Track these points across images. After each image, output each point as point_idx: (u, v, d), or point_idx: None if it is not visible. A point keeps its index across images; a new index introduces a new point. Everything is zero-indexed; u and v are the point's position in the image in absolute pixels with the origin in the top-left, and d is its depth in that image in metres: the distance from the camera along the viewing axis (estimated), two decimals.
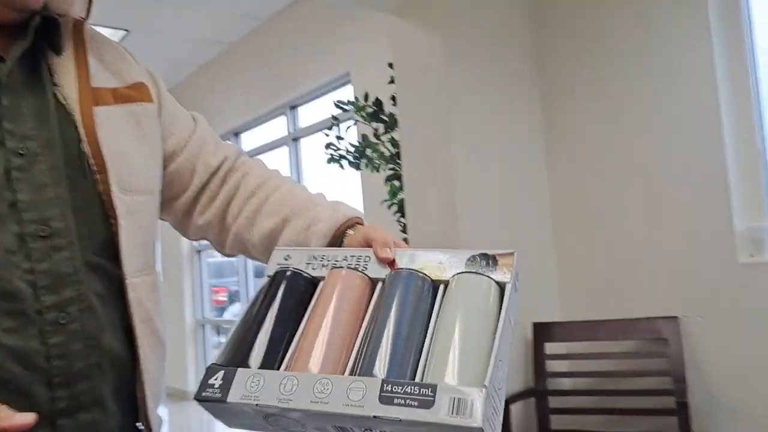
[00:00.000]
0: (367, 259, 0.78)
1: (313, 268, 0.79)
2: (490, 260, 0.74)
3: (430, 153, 2.65)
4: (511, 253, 0.74)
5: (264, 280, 0.81)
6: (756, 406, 2.19)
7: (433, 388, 0.61)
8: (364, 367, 0.66)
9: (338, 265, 0.78)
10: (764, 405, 2.18)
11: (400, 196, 2.86)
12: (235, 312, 8.34)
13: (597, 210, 2.66)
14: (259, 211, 0.94)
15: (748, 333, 2.20)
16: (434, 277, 0.74)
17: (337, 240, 0.86)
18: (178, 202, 0.96)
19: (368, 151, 3.06)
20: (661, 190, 2.43)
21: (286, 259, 0.81)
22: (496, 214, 2.64)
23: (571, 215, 2.76)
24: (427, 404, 0.60)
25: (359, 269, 0.77)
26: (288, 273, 0.79)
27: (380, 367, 0.65)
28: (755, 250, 2.17)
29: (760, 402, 2.18)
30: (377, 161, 3.00)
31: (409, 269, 0.75)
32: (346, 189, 3.95)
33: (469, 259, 0.74)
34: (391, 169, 2.95)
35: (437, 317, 0.71)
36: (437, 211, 2.59)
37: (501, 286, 0.72)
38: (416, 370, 0.66)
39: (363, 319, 0.73)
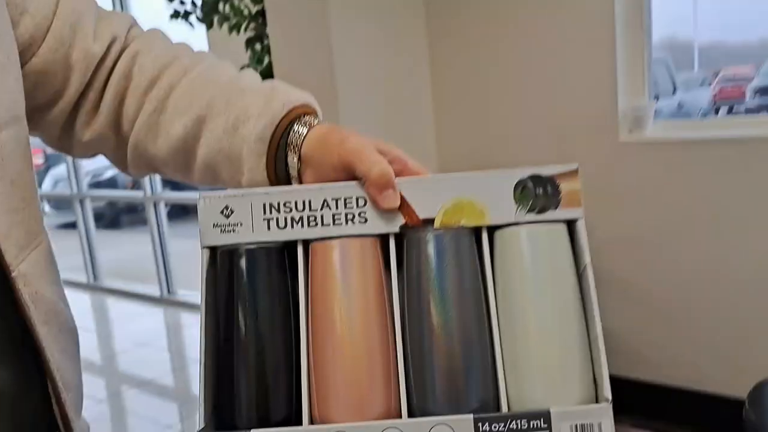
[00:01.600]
0: (361, 203, 0.55)
1: (280, 226, 0.55)
2: (549, 186, 0.53)
3: (303, 8, 2.30)
4: (575, 171, 0.54)
5: (202, 260, 0.54)
6: (622, 275, 2.31)
7: (546, 416, 0.45)
8: (425, 395, 0.48)
9: (324, 222, 0.55)
10: (629, 273, 2.30)
11: (266, 62, 2.50)
12: (58, 175, 7.33)
13: (479, 89, 2.53)
14: (161, 110, 0.64)
15: (622, 207, 2.25)
16: (474, 222, 0.53)
17: (281, 148, 0.60)
18: (52, 114, 0.64)
19: (222, 6, 2.61)
20: (547, 72, 2.33)
21: (226, 215, 0.55)
22: (379, 91, 2.41)
23: (452, 97, 2.60)
24: None
25: (356, 223, 0.54)
26: (243, 252, 0.54)
27: (448, 391, 0.48)
28: (635, 127, 2.18)
29: (626, 270, 2.30)
30: (234, 19, 2.58)
31: (442, 228, 0.53)
32: None
33: (517, 188, 0.53)
34: (253, 29, 2.55)
35: (497, 294, 0.52)
36: (313, 81, 2.30)
37: (570, 227, 0.53)
38: (496, 383, 0.48)
39: (390, 310, 0.53)
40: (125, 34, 0.66)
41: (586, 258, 0.52)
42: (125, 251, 6.54)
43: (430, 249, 0.53)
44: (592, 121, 2.25)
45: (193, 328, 3.84)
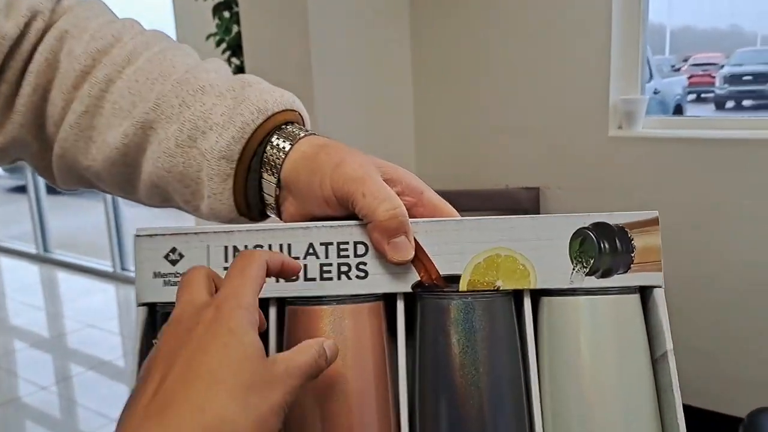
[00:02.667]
0: (360, 250, 0.40)
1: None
2: (618, 239, 0.39)
3: None
4: (654, 221, 0.40)
5: (137, 321, 0.40)
6: None
7: None
8: None
9: (307, 275, 0.40)
10: None
11: (235, 30, 2.29)
12: None
13: (464, 81, 2.37)
14: (96, 110, 0.48)
15: (605, 205, 2.14)
16: (514, 284, 0.39)
17: (254, 168, 0.45)
18: None
19: None
20: (537, 64, 2.18)
21: (172, 261, 0.40)
22: (357, 74, 2.23)
23: (435, 89, 2.44)
24: None
25: (352, 278, 0.40)
26: None
27: None
28: (625, 122, 2.06)
29: None
30: None
31: (471, 292, 0.39)
32: (153, 20, 3.18)
33: (575, 239, 0.39)
34: None
35: (542, 385, 0.38)
36: (287, 53, 2.11)
37: (643, 295, 0.39)
38: None
39: (396, 398, 0.40)
40: (51, 7, 0.49)
41: (667, 343, 0.38)
42: (79, 220, 6.23)
43: (455, 321, 0.39)
44: (582, 115, 2.12)
45: (71, 290, 3.60)
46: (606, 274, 0.39)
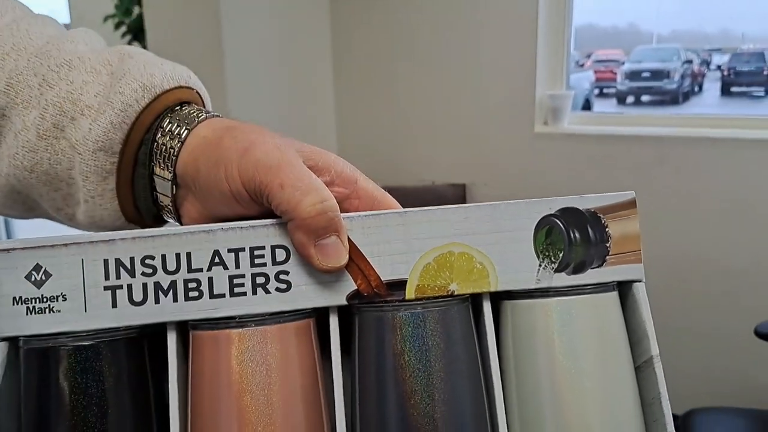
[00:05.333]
0: (280, 256, 0.32)
1: (134, 301, 0.32)
2: (590, 227, 0.33)
3: None
4: (631, 203, 0.33)
5: None
6: None
7: None
8: None
9: (214, 291, 0.32)
10: None
11: (136, 12, 2.13)
12: None
13: (386, 71, 2.31)
14: None
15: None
16: (471, 288, 0.32)
17: (142, 162, 0.36)
18: None
19: None
20: (461, 55, 2.15)
21: (36, 282, 0.31)
22: (273, 61, 2.13)
23: (354, 69, 2.37)
24: None
25: (271, 291, 0.32)
26: (67, 353, 0.31)
27: None
28: (551, 118, 2.05)
29: None
30: None
31: (419, 301, 0.32)
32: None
33: (540, 229, 0.33)
34: None
35: (509, 408, 0.31)
36: (195, 37, 1.98)
37: (622, 289, 0.33)
38: None
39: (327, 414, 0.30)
40: None
41: (653, 348, 0.32)
42: None
43: (402, 338, 0.31)
44: (507, 110, 2.10)
45: None
46: (578, 269, 0.33)
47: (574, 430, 0.31)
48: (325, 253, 0.31)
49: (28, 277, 0.31)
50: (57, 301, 0.31)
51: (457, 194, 2.26)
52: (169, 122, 0.35)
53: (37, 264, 0.31)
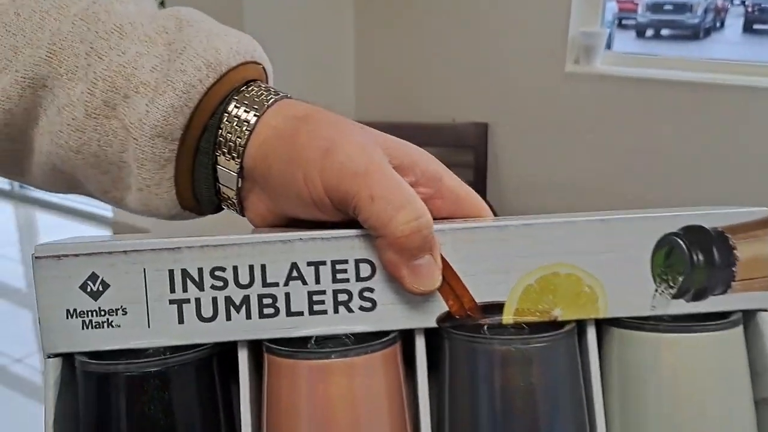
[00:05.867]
0: (365, 272, 0.29)
1: (203, 317, 0.28)
2: (716, 249, 0.29)
3: None
4: (764, 222, 0.29)
5: (47, 376, 0.28)
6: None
7: None
8: None
9: (290, 308, 0.29)
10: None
11: None
12: None
13: (411, 9, 2.20)
14: None
15: (554, 145, 2.07)
16: (577, 313, 0.29)
17: (204, 150, 0.32)
18: None
19: None
20: None
21: (92, 293, 0.28)
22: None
23: (380, 17, 2.26)
24: None
25: (354, 311, 0.29)
26: (130, 380, 0.28)
27: None
28: (583, 57, 1.96)
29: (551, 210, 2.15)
30: None
31: (518, 329, 0.29)
32: None
33: (660, 249, 0.29)
34: None
35: (620, 414, 0.27)
36: None
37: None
38: None
39: None
40: None
41: None
42: None
43: (501, 374, 0.28)
44: (536, 45, 2.01)
45: (51, 232, 3.20)
46: (698, 296, 0.29)
47: None
48: (418, 275, 0.27)
49: (83, 287, 0.28)
50: (116, 314, 0.28)
51: (479, 133, 2.20)
52: (236, 106, 0.31)
53: (93, 273, 0.28)
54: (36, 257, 0.28)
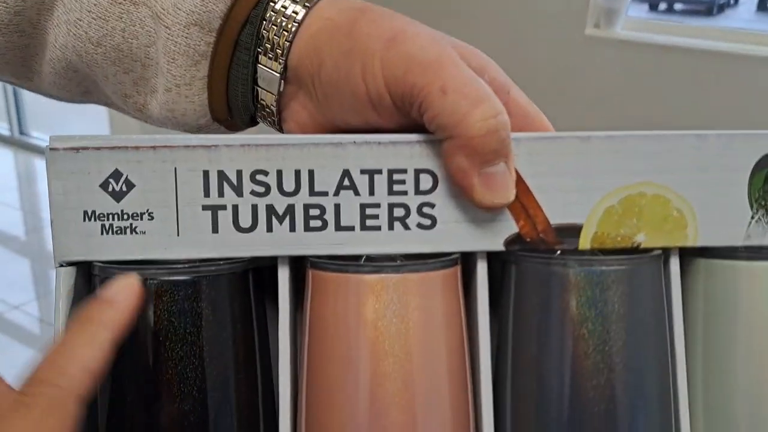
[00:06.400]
0: (426, 183, 0.25)
1: (241, 226, 0.25)
2: None
3: None
4: None
5: (60, 284, 0.25)
6: None
7: None
8: None
9: (341, 222, 0.25)
10: None
11: None
12: None
13: None
14: None
15: (572, 112, 2.02)
16: (664, 240, 0.25)
17: (243, 45, 0.28)
18: None
19: None
20: None
21: (115, 193, 0.24)
22: None
23: None
24: None
25: (411, 228, 0.25)
26: (160, 288, 0.24)
27: None
28: (604, 20, 1.90)
29: None
30: None
31: (597, 256, 0.25)
32: None
33: (758, 171, 0.25)
34: None
35: (700, 367, 0.24)
36: None
37: None
38: None
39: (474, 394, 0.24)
40: None
41: None
42: None
43: (575, 301, 0.24)
44: (556, 7, 1.95)
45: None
46: None
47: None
48: (491, 185, 0.24)
49: (104, 186, 0.24)
50: (141, 219, 0.24)
51: None
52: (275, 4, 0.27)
53: (117, 170, 0.24)
54: (51, 149, 0.24)
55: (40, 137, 3.52)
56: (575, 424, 0.24)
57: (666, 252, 0.26)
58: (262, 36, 0.27)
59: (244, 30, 0.27)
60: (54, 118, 3.41)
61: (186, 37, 0.27)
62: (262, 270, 0.26)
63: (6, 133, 3.57)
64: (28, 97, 3.44)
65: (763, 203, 0.26)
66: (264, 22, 0.27)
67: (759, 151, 0.25)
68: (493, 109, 0.23)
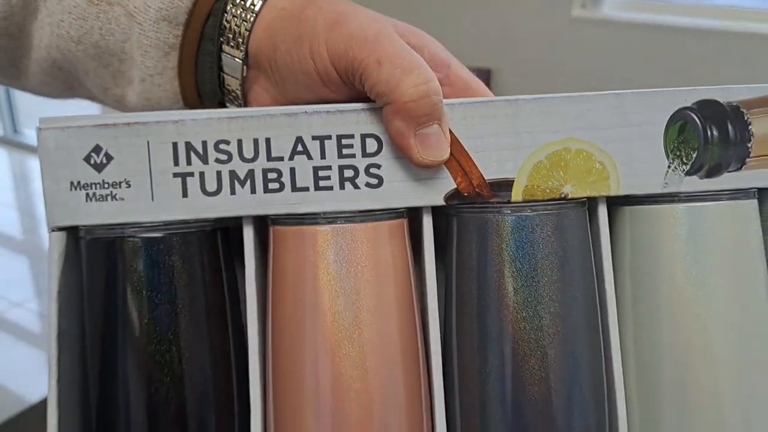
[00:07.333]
0: (371, 147, 0.28)
1: (207, 190, 0.28)
2: (731, 125, 0.29)
3: None
4: None
5: (52, 247, 0.28)
6: None
7: None
8: None
9: (296, 184, 0.28)
10: None
11: None
12: None
13: None
14: None
15: (562, 92, 2.04)
16: (588, 190, 0.28)
17: (208, 36, 0.31)
18: None
19: None
20: None
21: (96, 165, 0.28)
22: None
23: None
24: None
25: (360, 187, 0.28)
26: (134, 245, 0.28)
27: None
28: (591, 1, 1.92)
29: None
30: None
31: (528, 204, 0.28)
32: None
33: (672, 125, 0.28)
34: None
35: (626, 315, 0.27)
36: None
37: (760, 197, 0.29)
38: None
39: (424, 337, 0.29)
40: None
41: None
42: None
43: (507, 246, 0.27)
44: None
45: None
46: (713, 173, 0.28)
47: (696, 357, 0.28)
48: (426, 144, 0.27)
49: (87, 159, 0.27)
50: (120, 187, 0.27)
51: (482, 79, 2.16)
52: None
53: (97, 145, 0.27)
54: (40, 129, 0.27)
55: (33, 136, 3.50)
56: (510, 351, 0.27)
57: (594, 203, 0.29)
58: (224, 26, 0.30)
59: (208, 22, 0.30)
60: (46, 114, 3.39)
61: (156, 31, 0.30)
62: (231, 232, 0.29)
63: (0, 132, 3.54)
64: (20, 96, 3.44)
65: (678, 153, 0.28)
66: (225, 14, 0.30)
67: (672, 107, 0.28)
68: (424, 77, 0.26)
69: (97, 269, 0.27)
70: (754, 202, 0.29)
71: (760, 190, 0.29)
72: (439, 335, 0.28)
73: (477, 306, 0.28)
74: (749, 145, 0.28)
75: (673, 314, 0.28)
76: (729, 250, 0.28)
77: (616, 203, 0.29)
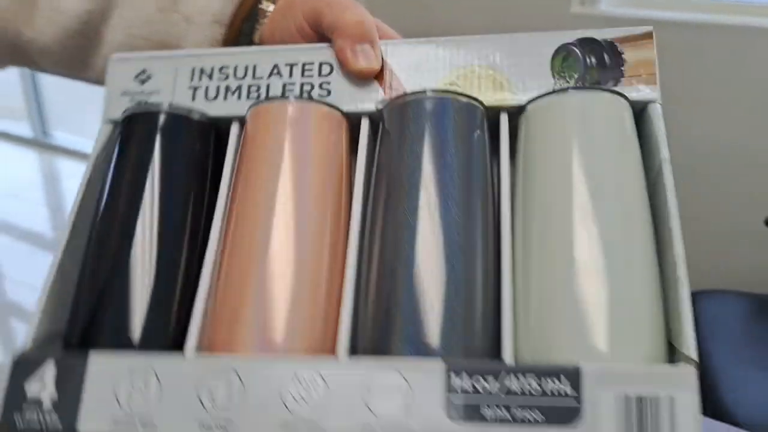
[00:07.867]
0: (325, 70, 0.38)
1: (209, 97, 0.39)
2: (607, 54, 0.37)
3: None
4: (647, 35, 0.37)
5: (100, 136, 0.39)
6: None
7: (572, 375, 0.27)
8: (383, 326, 0.31)
9: (269, 94, 0.38)
10: None
11: None
12: None
13: None
14: None
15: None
16: (488, 102, 0.37)
17: (245, 33, 0.44)
18: None
19: None
20: None
21: (141, 81, 0.40)
22: None
23: None
24: (565, 416, 0.27)
25: (315, 97, 0.38)
26: (159, 114, 0.37)
27: (415, 320, 0.30)
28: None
29: None
30: None
31: (431, 90, 0.36)
32: None
33: (558, 55, 0.37)
34: None
35: (517, 195, 0.35)
36: None
37: (636, 109, 0.36)
38: (499, 320, 0.31)
39: (347, 206, 0.36)
40: None
41: (663, 152, 0.34)
42: None
43: (420, 123, 0.35)
44: None
45: (74, 178, 3.11)
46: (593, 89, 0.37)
47: (580, 249, 0.31)
48: (360, 57, 0.36)
49: (136, 77, 0.40)
50: (154, 93, 0.39)
51: None
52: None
53: (144, 69, 0.40)
54: (111, 60, 0.40)
55: (63, 137, 3.56)
56: (425, 232, 0.33)
57: (496, 113, 0.37)
58: (257, 27, 0.43)
59: (245, 24, 0.43)
60: (74, 116, 3.47)
61: (210, 32, 0.42)
62: (222, 132, 0.39)
63: (29, 134, 3.59)
64: (49, 99, 3.52)
65: (562, 75, 0.37)
66: (257, 16, 0.42)
67: (555, 44, 0.37)
68: (361, 12, 0.36)
69: (125, 139, 0.37)
70: (628, 104, 0.35)
71: (636, 105, 0.36)
72: (361, 202, 0.35)
73: (393, 175, 0.34)
74: (623, 68, 0.36)
75: (559, 196, 0.32)
76: (606, 139, 0.34)
77: (520, 114, 0.37)
